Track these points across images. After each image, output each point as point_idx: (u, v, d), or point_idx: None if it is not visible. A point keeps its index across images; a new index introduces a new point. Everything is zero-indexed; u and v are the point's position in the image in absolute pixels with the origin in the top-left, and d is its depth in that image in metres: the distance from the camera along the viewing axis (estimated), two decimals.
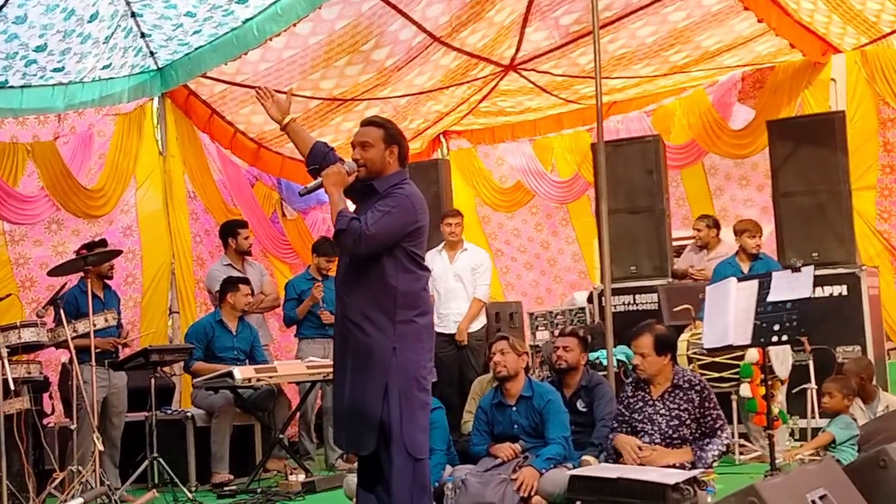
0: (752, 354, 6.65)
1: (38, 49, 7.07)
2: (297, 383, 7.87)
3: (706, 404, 5.74)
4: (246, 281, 7.98)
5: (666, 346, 5.84)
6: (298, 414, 8.10)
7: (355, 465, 7.68)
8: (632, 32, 9.38)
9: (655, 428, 5.74)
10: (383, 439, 4.26)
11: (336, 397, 4.51)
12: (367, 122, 4.59)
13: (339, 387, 4.46)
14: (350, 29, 8.17)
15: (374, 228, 4.23)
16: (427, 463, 4.37)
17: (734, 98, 10.75)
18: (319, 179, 4.39)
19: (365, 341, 4.31)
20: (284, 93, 4.83)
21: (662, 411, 5.76)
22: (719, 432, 5.65)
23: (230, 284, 7.89)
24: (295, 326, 8.56)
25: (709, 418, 5.72)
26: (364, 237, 4.22)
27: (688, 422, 5.72)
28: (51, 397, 7.44)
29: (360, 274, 4.36)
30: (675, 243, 9.55)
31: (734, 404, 7.24)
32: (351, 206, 4.48)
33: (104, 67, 7.77)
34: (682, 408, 5.73)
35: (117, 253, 7.03)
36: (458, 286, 8.43)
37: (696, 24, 9.25)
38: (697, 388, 5.78)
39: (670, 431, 5.72)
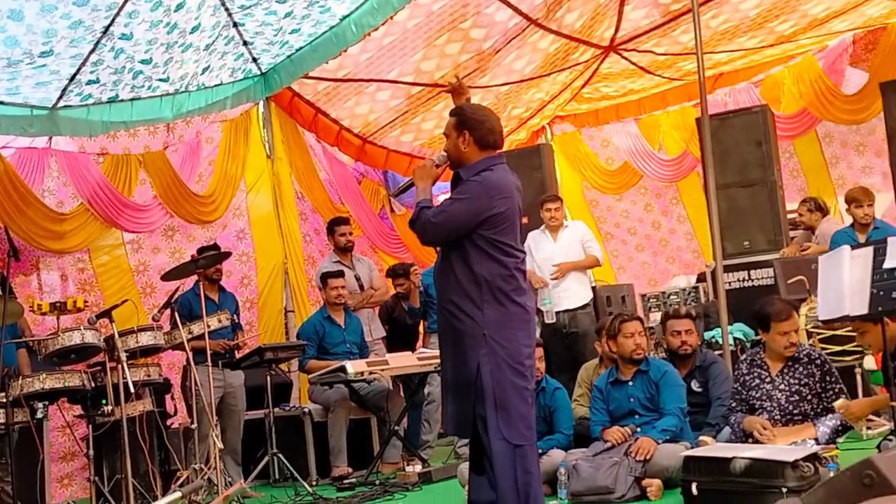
0: None
1: (144, 62, 7.29)
2: (407, 376, 7.89)
3: (827, 378, 5.55)
4: (336, 275, 8.03)
5: None
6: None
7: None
8: (734, 6, 9.15)
9: (774, 405, 5.58)
10: (482, 425, 4.25)
11: (442, 382, 4.56)
12: (451, 112, 4.58)
13: (443, 372, 4.52)
14: (448, 8, 8.16)
15: (440, 217, 4.27)
16: (530, 448, 4.34)
17: (846, 62, 10.38)
18: (409, 179, 4.47)
19: (458, 327, 4.33)
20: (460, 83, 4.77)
21: (782, 387, 5.59)
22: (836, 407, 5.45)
23: (322, 280, 8.00)
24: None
25: (830, 392, 5.53)
26: (429, 225, 4.28)
27: (809, 397, 5.54)
28: (173, 398, 7.68)
29: (447, 263, 4.39)
30: (789, 216, 9.28)
31: (858, 377, 6.98)
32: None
33: (203, 71, 7.95)
34: (802, 383, 5.56)
35: (226, 255, 7.19)
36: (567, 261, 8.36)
37: None
38: (818, 362, 5.59)
39: (790, 407, 5.55)
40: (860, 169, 10.90)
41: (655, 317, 9.10)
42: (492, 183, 4.34)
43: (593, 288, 8.56)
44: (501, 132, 4.56)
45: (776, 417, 5.55)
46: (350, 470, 7.41)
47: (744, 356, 5.96)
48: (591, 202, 12.50)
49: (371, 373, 7.18)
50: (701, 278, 9.24)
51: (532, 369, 4.43)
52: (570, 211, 11.99)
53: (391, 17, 7.78)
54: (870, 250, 5.07)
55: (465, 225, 4.28)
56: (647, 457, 5.50)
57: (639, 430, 5.78)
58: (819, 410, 5.54)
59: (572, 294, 8.31)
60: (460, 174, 4.43)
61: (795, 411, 5.54)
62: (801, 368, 5.59)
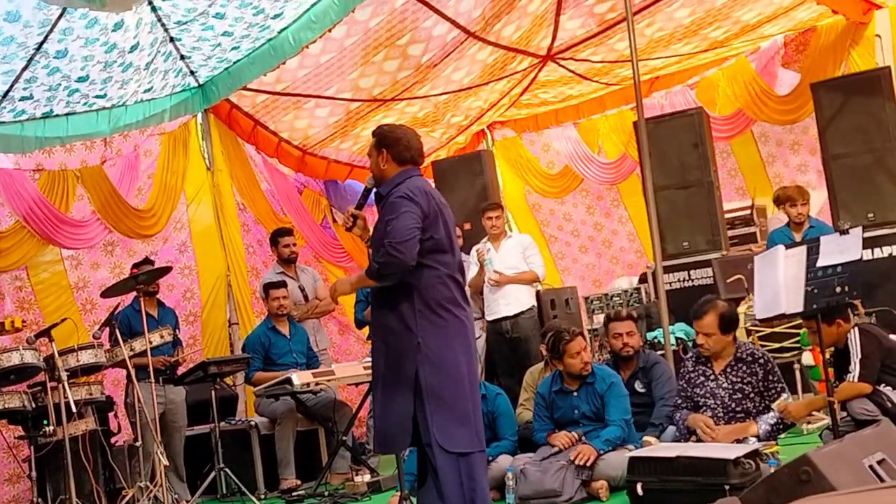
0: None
1: (81, 79, 7.20)
2: (356, 384, 7.90)
3: (770, 377, 5.66)
4: (278, 285, 8.00)
5: (731, 323, 5.77)
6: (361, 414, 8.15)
7: None
8: (668, 15, 9.28)
9: (718, 402, 5.69)
10: (425, 435, 4.28)
11: (373, 403, 4.58)
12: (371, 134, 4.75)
13: (373, 392, 4.53)
14: (384, 24, 8.17)
15: (393, 239, 4.28)
16: (478, 456, 4.37)
17: (778, 64, 10.56)
18: (365, 186, 4.67)
19: (391, 340, 4.38)
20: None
21: (725, 385, 5.69)
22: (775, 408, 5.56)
23: (264, 291, 7.98)
24: (367, 328, 8.63)
25: (773, 391, 5.65)
26: (392, 251, 4.27)
27: (751, 395, 5.66)
28: (116, 416, 7.59)
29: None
30: (728, 215, 9.43)
31: (797, 373, 7.12)
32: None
33: (146, 90, 7.88)
34: (745, 381, 5.67)
35: (167, 270, 7.12)
36: (508, 273, 8.41)
37: (733, 1, 9.12)
38: (761, 360, 5.70)
39: (733, 405, 5.66)
40: (796, 167, 11.11)
41: (599, 318, 9.18)
42: (410, 186, 4.46)
43: (537, 292, 8.61)
44: (419, 149, 4.68)
45: (719, 415, 5.66)
46: (299, 482, 7.38)
47: (689, 354, 6.06)
48: (534, 206, 12.58)
49: (318, 384, 7.16)
50: (643, 279, 9.35)
51: (475, 377, 4.47)
52: (513, 215, 12.08)
53: (329, 31, 7.76)
54: (803, 249, 5.18)
55: (419, 229, 4.33)
56: (587, 462, 5.54)
57: (584, 436, 5.83)
58: (761, 408, 5.65)
59: (513, 300, 8.35)
60: (380, 192, 4.57)
61: (738, 409, 5.64)
62: (744, 367, 5.69)
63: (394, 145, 4.59)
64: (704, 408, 5.71)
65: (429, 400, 4.29)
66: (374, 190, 4.65)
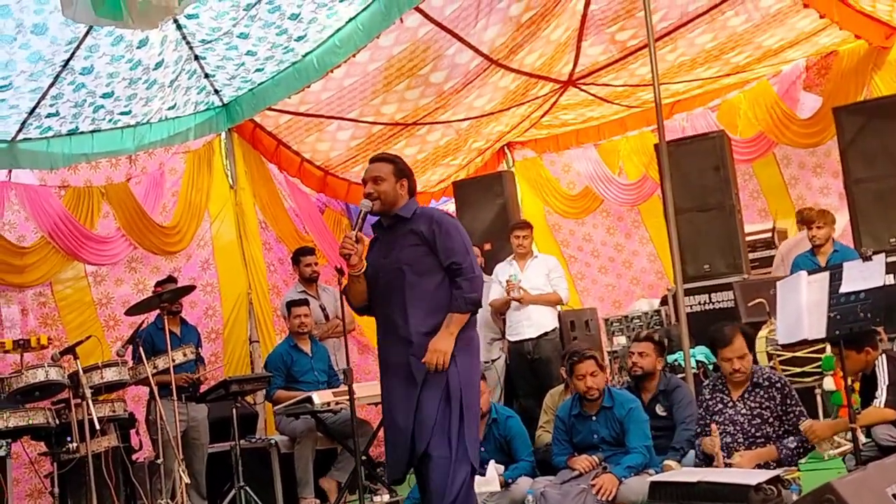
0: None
1: (106, 96, 7.28)
2: (376, 404, 7.91)
3: (788, 401, 5.62)
4: (300, 303, 8.02)
5: (751, 342, 5.74)
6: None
7: None
8: (690, 41, 9.33)
9: (738, 429, 5.65)
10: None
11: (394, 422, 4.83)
12: (377, 159, 4.93)
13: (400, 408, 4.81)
14: (408, 54, 8.25)
15: (468, 259, 4.71)
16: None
17: (800, 87, 10.56)
18: (361, 209, 4.82)
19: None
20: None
21: (744, 411, 5.65)
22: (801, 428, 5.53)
23: (287, 308, 8.01)
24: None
25: (791, 415, 5.61)
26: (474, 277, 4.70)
27: (770, 420, 5.62)
28: (138, 433, 7.63)
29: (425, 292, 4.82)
30: (749, 237, 9.41)
31: (819, 398, 7.08)
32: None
33: (170, 108, 7.96)
34: (763, 406, 5.63)
35: (191, 289, 7.17)
36: (533, 293, 8.41)
37: (755, 27, 9.17)
38: (778, 385, 5.66)
39: (753, 430, 5.62)
40: (818, 190, 11.08)
41: (618, 340, 9.18)
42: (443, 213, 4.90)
43: (558, 314, 8.61)
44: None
45: (740, 441, 5.62)
46: (317, 501, 7.39)
47: (707, 381, 6.04)
48: (554, 226, 12.59)
49: (337, 402, 7.18)
50: (664, 301, 9.33)
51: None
52: (534, 236, 12.08)
53: (353, 56, 7.83)
54: (826, 275, 5.18)
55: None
56: (609, 497, 5.52)
57: (605, 461, 5.82)
58: (781, 433, 5.61)
59: (535, 322, 8.37)
60: (400, 214, 4.80)
61: (758, 434, 5.61)
62: (761, 392, 5.66)
63: (411, 177, 4.89)
64: (724, 434, 5.67)
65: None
66: (391, 214, 4.83)
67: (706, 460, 5.62)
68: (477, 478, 5.79)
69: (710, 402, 5.77)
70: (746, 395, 5.68)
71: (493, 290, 8.60)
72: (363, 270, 4.79)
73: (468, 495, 4.56)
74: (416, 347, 4.62)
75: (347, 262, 4.77)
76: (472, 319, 4.73)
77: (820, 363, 6.83)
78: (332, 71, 7.98)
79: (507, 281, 8.41)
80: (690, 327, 7.11)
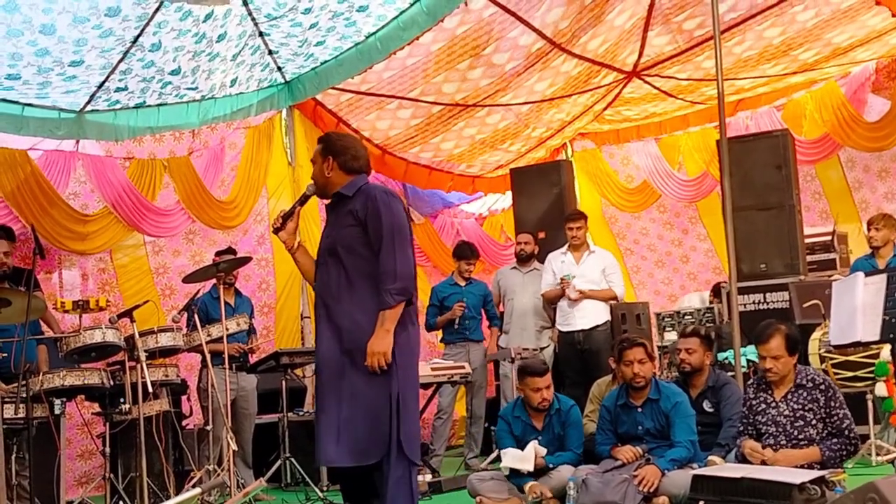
0: (888, 352, 6.41)
1: (174, 73, 7.38)
2: (422, 386, 7.96)
3: (832, 403, 5.52)
4: None
5: (796, 344, 5.65)
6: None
7: (483, 464, 7.82)
8: (758, 34, 9.20)
9: (780, 430, 5.56)
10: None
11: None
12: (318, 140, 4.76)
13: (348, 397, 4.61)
14: (471, 33, 8.24)
15: (391, 245, 4.42)
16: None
17: (868, 90, 10.39)
18: (295, 204, 4.77)
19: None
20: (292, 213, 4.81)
21: (786, 412, 5.56)
22: (846, 432, 5.44)
23: None
24: (441, 332, 8.74)
25: (835, 418, 5.50)
26: (400, 268, 4.41)
27: (813, 422, 5.52)
28: (189, 399, 7.77)
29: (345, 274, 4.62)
30: (809, 239, 9.28)
31: (870, 404, 6.99)
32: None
33: (233, 83, 8.05)
34: (806, 408, 5.53)
35: (247, 259, 7.27)
36: (587, 288, 8.41)
37: (825, 22, 9.01)
38: (822, 387, 5.56)
39: (795, 432, 5.53)
40: (882, 195, 10.92)
41: (669, 336, 9.13)
42: (380, 189, 4.63)
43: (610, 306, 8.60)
44: (367, 159, 4.71)
45: (782, 442, 5.54)
46: None
47: (751, 380, 5.98)
48: (610, 219, 12.55)
49: None
50: (715, 292, 9.22)
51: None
52: (589, 227, 12.05)
53: (417, 38, 7.85)
54: (883, 277, 5.11)
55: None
56: (651, 489, 5.51)
57: (649, 452, 5.80)
58: (825, 435, 5.53)
59: (587, 314, 8.38)
60: (342, 192, 4.58)
61: (801, 436, 5.52)
62: (804, 393, 5.56)
63: (341, 154, 4.60)
64: (767, 435, 5.60)
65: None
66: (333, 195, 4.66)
67: (744, 462, 5.57)
68: (511, 450, 5.83)
69: (754, 402, 5.70)
70: (789, 396, 5.59)
71: (546, 280, 8.60)
72: (295, 248, 4.71)
73: (408, 490, 4.48)
74: (346, 333, 4.42)
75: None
76: (409, 310, 4.47)
77: (873, 368, 6.74)
78: (394, 53, 8.00)
79: (562, 279, 8.39)
80: (743, 326, 7.03)
